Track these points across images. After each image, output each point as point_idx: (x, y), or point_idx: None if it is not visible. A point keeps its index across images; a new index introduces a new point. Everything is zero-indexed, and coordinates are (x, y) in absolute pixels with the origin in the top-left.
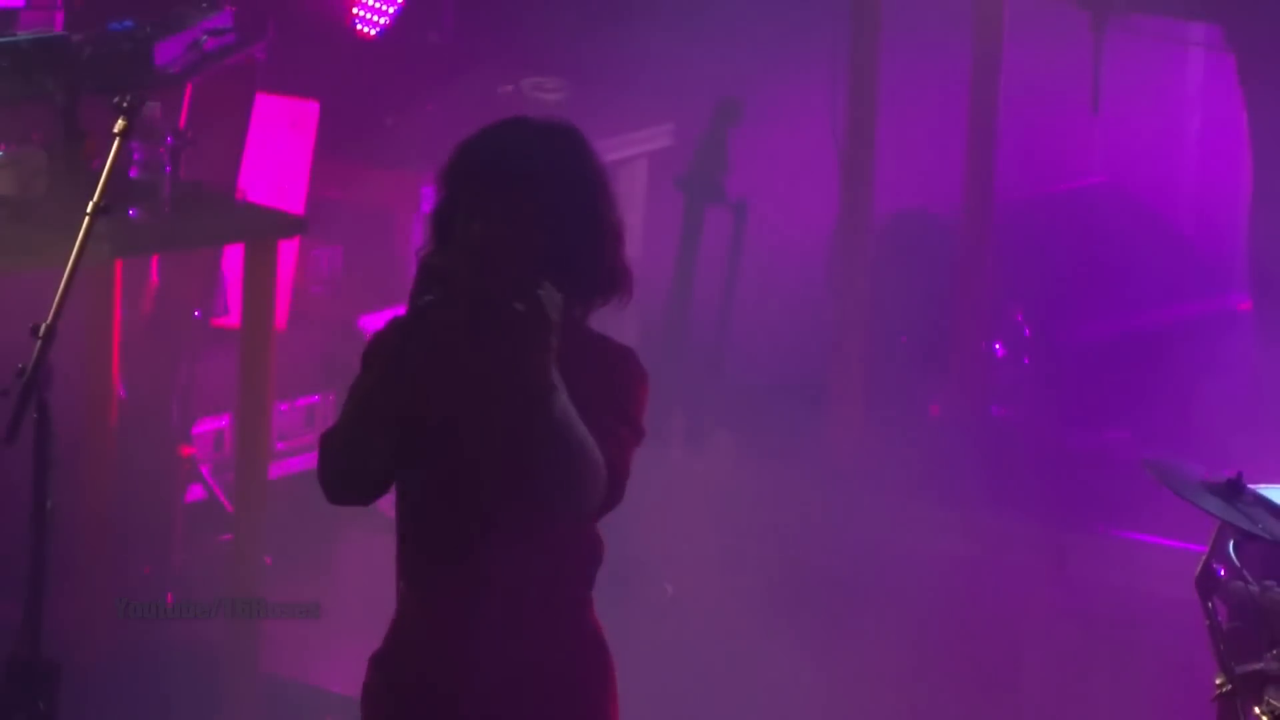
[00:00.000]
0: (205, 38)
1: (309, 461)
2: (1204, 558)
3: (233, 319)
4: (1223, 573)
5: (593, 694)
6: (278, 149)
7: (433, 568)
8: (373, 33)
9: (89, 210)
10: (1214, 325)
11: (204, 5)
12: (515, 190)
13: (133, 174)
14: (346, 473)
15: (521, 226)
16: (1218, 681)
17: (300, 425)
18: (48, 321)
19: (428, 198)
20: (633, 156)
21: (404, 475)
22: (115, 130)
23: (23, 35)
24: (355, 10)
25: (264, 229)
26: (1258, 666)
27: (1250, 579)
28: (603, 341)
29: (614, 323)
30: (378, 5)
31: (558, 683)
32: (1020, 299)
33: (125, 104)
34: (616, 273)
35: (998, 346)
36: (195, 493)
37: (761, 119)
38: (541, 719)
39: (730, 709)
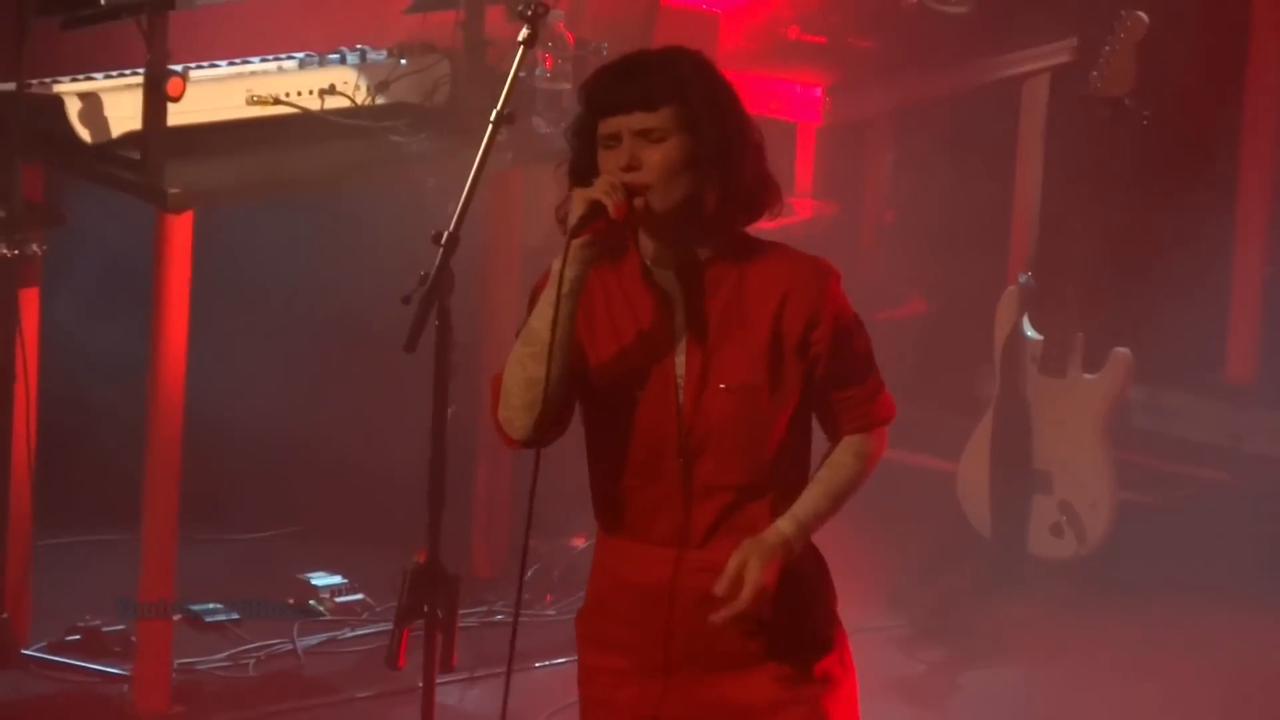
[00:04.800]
0: None
1: None
2: None
3: None
4: None
5: (815, 612)
6: None
7: (638, 521)
8: None
9: (491, 118)
10: None
11: None
12: (652, 105)
13: (537, 83)
14: (516, 409)
15: (659, 142)
16: None
17: None
18: (449, 229)
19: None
20: (1035, 71)
21: (589, 416)
22: (519, 38)
23: None
24: None
25: None
26: None
27: None
28: (787, 255)
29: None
30: None
31: (791, 606)
32: None
33: (529, 12)
34: (764, 184)
35: None
36: None
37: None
38: (774, 644)
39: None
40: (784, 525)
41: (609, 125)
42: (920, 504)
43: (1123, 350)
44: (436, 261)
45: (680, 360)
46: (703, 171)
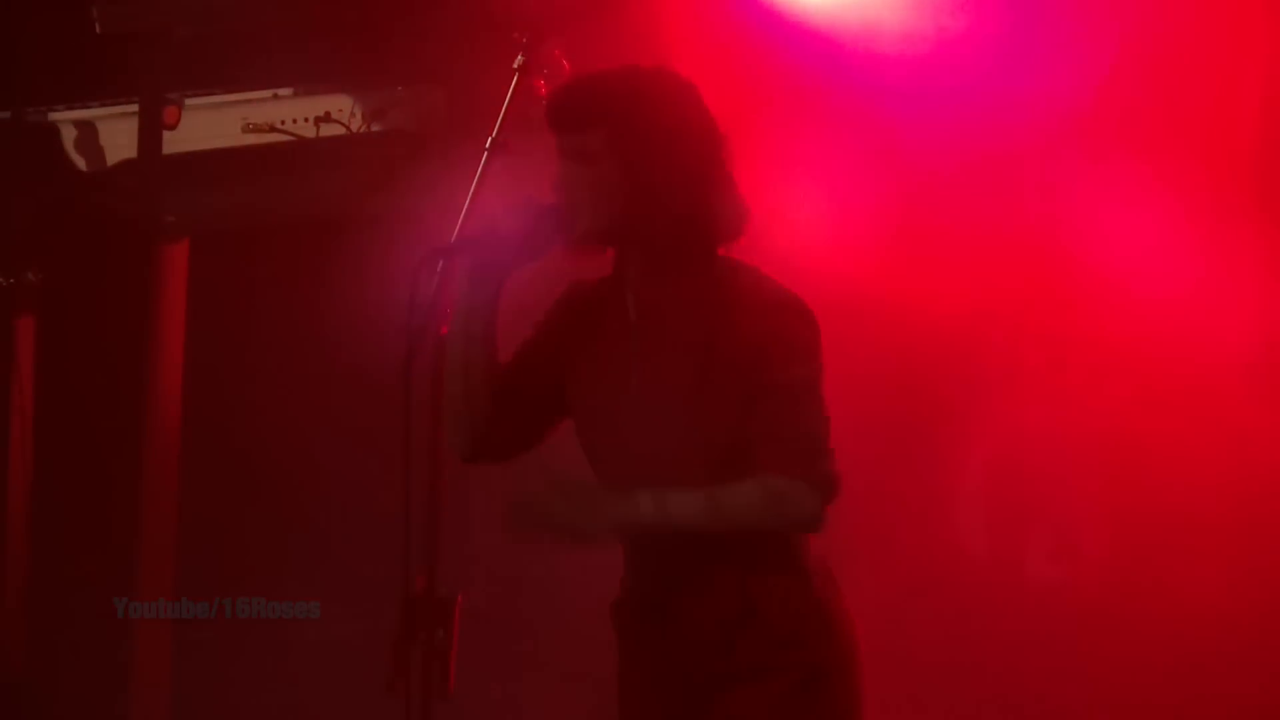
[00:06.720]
0: None
1: None
2: None
3: None
4: None
5: (807, 634)
6: None
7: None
8: None
9: (486, 146)
10: None
11: None
12: (580, 125)
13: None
14: (450, 429)
15: (589, 164)
16: None
17: None
18: (445, 256)
19: None
20: None
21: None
22: (514, 65)
23: None
24: None
25: None
26: None
27: None
28: (751, 284)
29: None
30: None
31: (759, 631)
32: None
33: (525, 39)
34: (713, 217)
35: None
36: None
37: None
38: (749, 663)
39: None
40: (641, 495)
41: (556, 142)
42: (915, 525)
43: (1118, 376)
44: (433, 287)
45: (634, 376)
46: (632, 198)
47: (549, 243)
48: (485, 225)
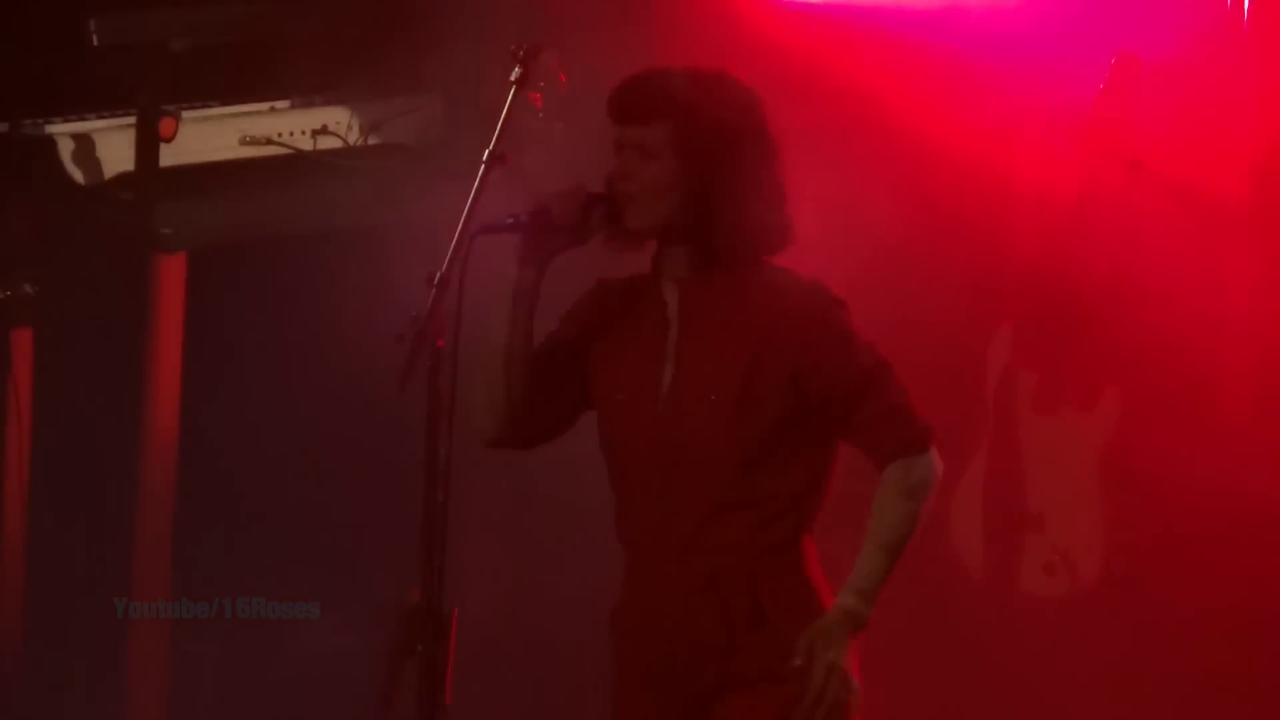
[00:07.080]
0: None
1: None
2: None
3: None
4: None
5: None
6: None
7: (631, 529)
8: None
9: (484, 158)
10: None
11: None
12: (643, 119)
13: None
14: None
15: (649, 158)
16: None
17: None
18: (441, 269)
19: None
20: None
21: (598, 423)
22: (511, 78)
23: None
24: None
25: None
26: None
27: None
28: (786, 279)
29: None
30: None
31: (766, 635)
32: None
33: (522, 52)
34: (763, 227)
35: None
36: None
37: None
38: (750, 671)
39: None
40: (844, 599)
41: (616, 133)
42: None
43: (1115, 388)
44: (429, 301)
45: (668, 372)
46: (690, 197)
47: (597, 230)
48: (536, 207)
